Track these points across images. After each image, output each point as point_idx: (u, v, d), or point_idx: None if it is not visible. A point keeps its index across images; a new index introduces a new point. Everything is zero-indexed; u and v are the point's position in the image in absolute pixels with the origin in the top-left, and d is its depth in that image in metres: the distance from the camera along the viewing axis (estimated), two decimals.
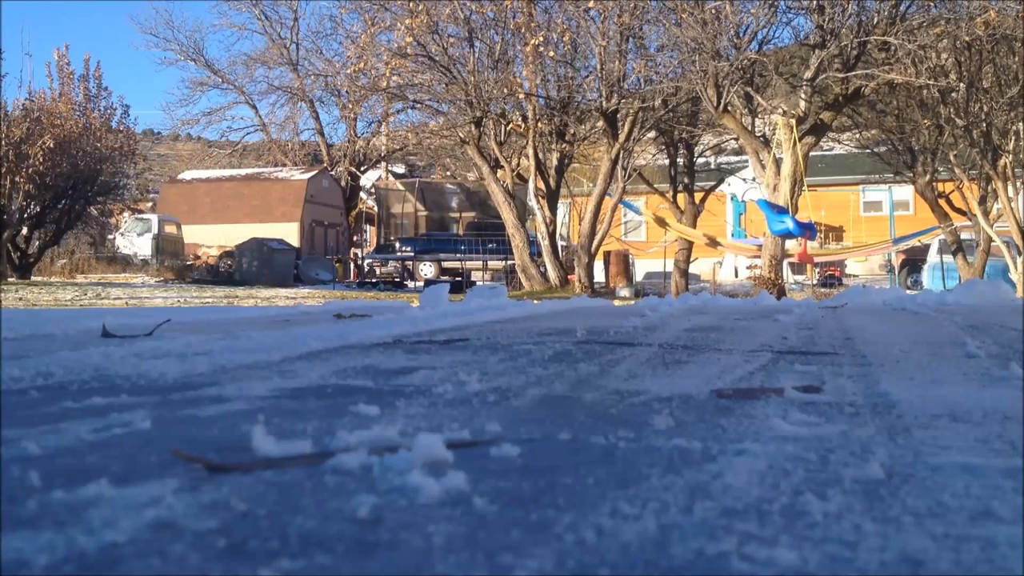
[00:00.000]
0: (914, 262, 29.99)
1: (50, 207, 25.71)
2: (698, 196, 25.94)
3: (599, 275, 26.20)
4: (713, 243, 23.93)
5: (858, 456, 2.06)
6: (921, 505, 1.63)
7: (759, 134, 20.77)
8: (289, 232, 35.68)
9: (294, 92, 41.15)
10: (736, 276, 32.03)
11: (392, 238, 36.01)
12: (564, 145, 22.42)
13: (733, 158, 30.97)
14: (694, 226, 24.78)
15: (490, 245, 29.46)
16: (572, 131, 22.41)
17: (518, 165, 23.85)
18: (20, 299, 14.69)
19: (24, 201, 24.84)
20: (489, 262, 30.31)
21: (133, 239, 32.95)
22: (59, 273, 27.77)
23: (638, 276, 30.94)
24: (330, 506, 1.62)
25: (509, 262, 25.79)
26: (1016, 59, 19.17)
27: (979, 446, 2.20)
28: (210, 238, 35.56)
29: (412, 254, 32.53)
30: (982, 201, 22.36)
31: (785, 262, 20.29)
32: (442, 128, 23.71)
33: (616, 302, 16.07)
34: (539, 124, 20.98)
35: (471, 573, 1.28)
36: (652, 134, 24.07)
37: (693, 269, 27.57)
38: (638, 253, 30.76)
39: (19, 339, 5.82)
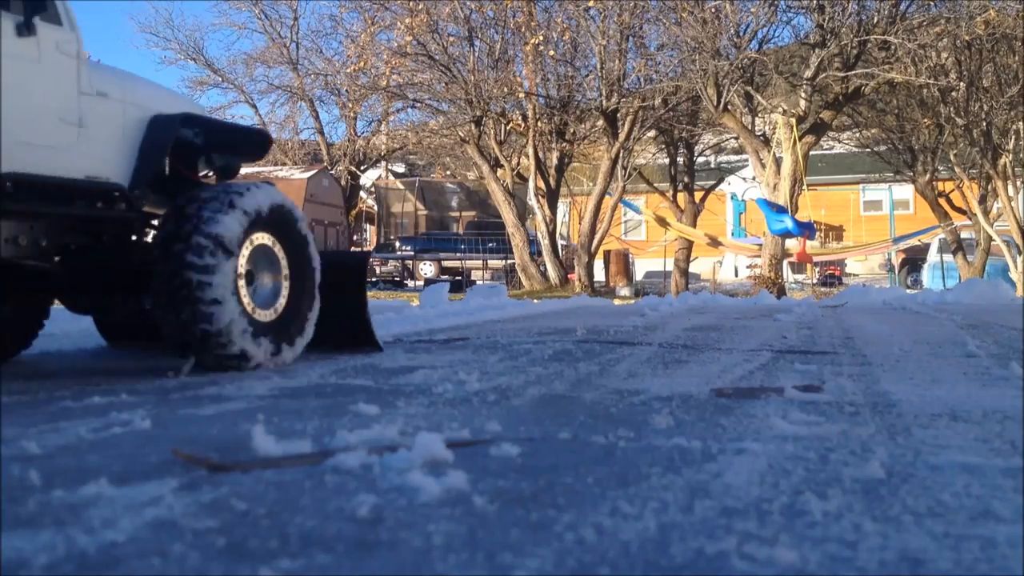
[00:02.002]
0: (914, 261, 29.96)
1: None
2: (698, 195, 25.93)
3: (599, 274, 26.17)
4: (713, 242, 23.91)
5: (858, 455, 2.06)
6: (921, 504, 1.63)
7: (759, 133, 20.76)
8: None
9: (294, 91, 41.10)
10: (736, 275, 31.99)
11: (392, 237, 35.98)
12: (564, 144, 22.41)
13: (733, 157, 30.95)
14: (694, 225, 24.76)
15: (490, 244, 29.44)
16: (572, 130, 22.40)
17: (518, 164, 23.82)
18: None
19: None
20: (489, 261, 30.29)
21: None
22: None
23: (638, 275, 30.91)
24: (330, 505, 1.62)
25: (509, 261, 25.78)
26: (1016, 58, 19.16)
27: (979, 445, 2.20)
28: None
29: (412, 253, 32.51)
30: (982, 200, 22.35)
31: (785, 261, 20.28)
32: (442, 127, 23.69)
33: (616, 301, 16.07)
34: (539, 123, 20.97)
35: (471, 572, 1.28)
36: (652, 133, 24.04)
37: (693, 268, 27.55)
38: (638, 252, 30.72)
39: None
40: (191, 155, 4.67)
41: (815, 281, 26.45)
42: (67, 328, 5.87)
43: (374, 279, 31.29)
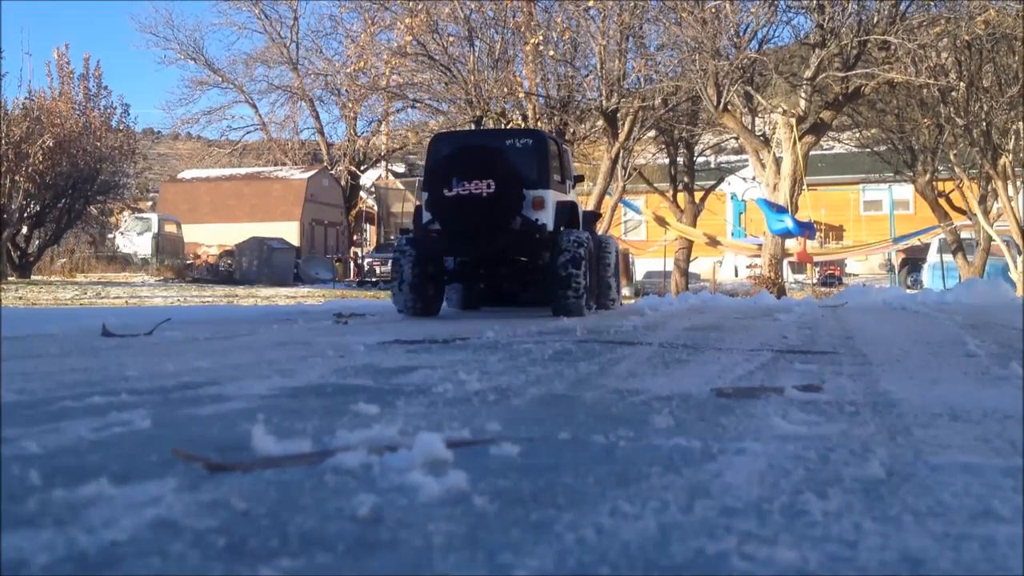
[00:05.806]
0: (914, 261, 29.98)
1: (50, 206, 25.66)
2: (698, 195, 25.94)
3: None
4: (713, 242, 23.94)
5: (858, 455, 2.06)
6: (921, 504, 1.63)
7: (759, 133, 20.78)
8: (289, 231, 35.62)
9: (294, 91, 41.10)
10: (736, 275, 31.99)
11: (392, 237, 35.98)
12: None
13: (733, 157, 30.97)
14: (694, 225, 24.79)
15: None
16: (572, 130, 22.42)
17: None
18: (20, 298, 14.69)
19: (24, 200, 24.78)
20: None
21: (133, 238, 32.86)
22: (59, 272, 27.71)
23: (638, 275, 30.95)
24: (330, 505, 1.62)
25: None
26: (1016, 58, 19.15)
27: (979, 445, 2.20)
28: (210, 237, 35.52)
29: None
30: (982, 200, 22.35)
31: (785, 261, 20.28)
32: (442, 127, 23.72)
33: None
34: (539, 123, 20.98)
35: (471, 572, 1.27)
36: (652, 133, 24.05)
37: (693, 268, 27.56)
38: (638, 252, 30.72)
39: (20, 338, 5.81)
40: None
41: (815, 281, 26.42)
42: (67, 327, 5.85)
43: (374, 279, 31.32)
